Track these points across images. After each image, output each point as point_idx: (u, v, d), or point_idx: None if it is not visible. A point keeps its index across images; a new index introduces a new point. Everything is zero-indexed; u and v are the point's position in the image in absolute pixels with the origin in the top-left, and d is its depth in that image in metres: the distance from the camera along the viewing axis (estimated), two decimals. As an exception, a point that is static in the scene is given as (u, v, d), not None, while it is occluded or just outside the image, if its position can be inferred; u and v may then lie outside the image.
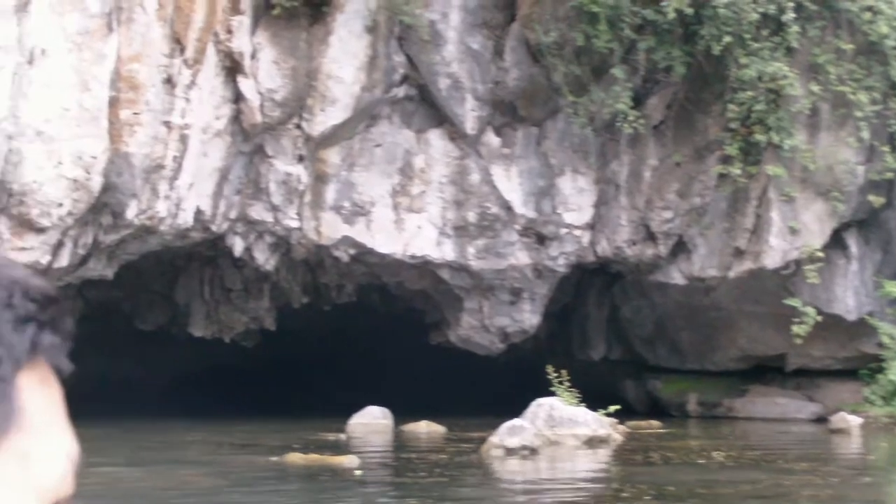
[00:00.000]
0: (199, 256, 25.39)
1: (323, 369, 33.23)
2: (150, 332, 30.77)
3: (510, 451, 14.93)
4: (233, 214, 22.07)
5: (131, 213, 19.59)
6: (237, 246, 22.74)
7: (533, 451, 15.09)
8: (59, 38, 18.10)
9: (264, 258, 23.13)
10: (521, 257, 23.66)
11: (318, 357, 33.23)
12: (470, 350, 26.19)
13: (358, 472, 13.02)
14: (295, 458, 14.18)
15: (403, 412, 21.41)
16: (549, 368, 19.57)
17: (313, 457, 14.18)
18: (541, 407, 16.90)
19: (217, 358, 34.25)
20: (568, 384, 19.24)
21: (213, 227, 21.63)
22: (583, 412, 17.10)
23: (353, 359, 33.13)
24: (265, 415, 25.14)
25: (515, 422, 15.41)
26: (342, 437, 19.12)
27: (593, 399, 20.47)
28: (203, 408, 28.80)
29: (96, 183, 18.68)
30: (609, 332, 28.18)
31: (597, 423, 17.01)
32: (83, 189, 18.55)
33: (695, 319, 26.10)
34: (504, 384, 32.81)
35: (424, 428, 20.27)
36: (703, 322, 26.06)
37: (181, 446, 17.67)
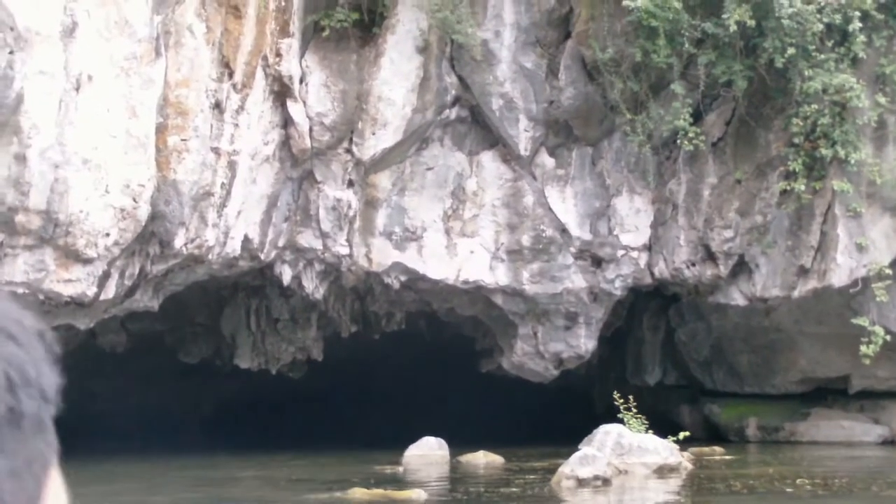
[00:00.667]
0: (245, 286, 24.82)
1: (368, 400, 32.57)
2: (193, 365, 30.29)
3: (582, 482, 14.14)
4: (281, 242, 21.47)
5: (179, 242, 19.00)
6: (286, 274, 22.14)
7: (605, 482, 14.32)
8: (106, 63, 17.54)
9: (313, 286, 22.51)
10: (576, 281, 22.96)
11: (364, 387, 32.57)
12: (522, 377, 25.44)
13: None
14: (359, 493, 13.43)
15: (454, 441, 20.75)
16: (616, 395, 18.80)
17: (378, 492, 13.42)
18: (608, 434, 16.13)
19: (261, 389, 33.73)
20: (635, 410, 18.47)
21: (262, 256, 21.03)
22: (652, 439, 16.32)
23: (399, 388, 32.47)
24: (314, 447, 24.47)
25: (586, 451, 14.64)
26: (399, 469, 18.41)
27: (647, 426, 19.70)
28: (247, 441, 28.22)
29: (144, 211, 18.10)
30: (664, 356, 27.45)
31: (667, 450, 16.23)
32: (130, 218, 17.97)
33: (753, 342, 25.35)
34: (553, 411, 32.17)
35: (482, 458, 19.55)
36: (762, 344, 25.30)
37: (236, 483, 16.99)
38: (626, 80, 21.28)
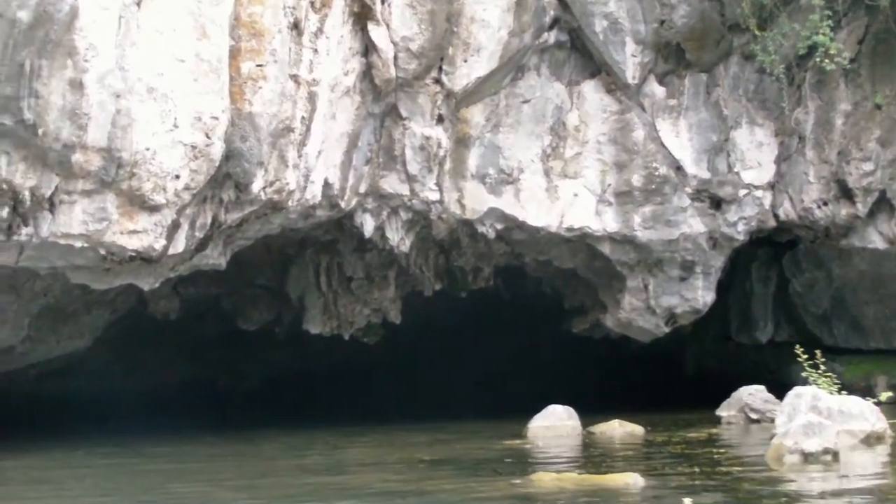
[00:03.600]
0: (315, 242, 22.20)
1: (439, 366, 30.02)
2: (240, 334, 27.99)
3: (808, 457, 11.54)
4: (362, 188, 18.87)
5: (257, 185, 16.34)
6: (367, 225, 19.54)
7: (835, 456, 11.69)
8: (170, -27, 14.90)
9: (398, 238, 19.90)
10: (694, 225, 20.31)
11: (434, 352, 29.99)
12: (624, 335, 22.79)
13: (688, 501, 9.44)
14: (546, 479, 10.71)
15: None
16: (798, 350, 16.12)
17: (570, 476, 10.72)
18: (800, 398, 13.47)
19: (313, 358, 31.49)
20: (823, 369, 15.76)
21: (342, 204, 18.42)
22: (856, 402, 13.66)
23: (476, 351, 29.97)
24: (397, 422, 21.89)
25: (810, 418, 11.99)
26: (538, 443, 15.78)
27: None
28: (302, 416, 25.77)
29: (218, 149, 15.46)
30: (776, 310, 24.75)
31: (873, 415, 13.60)
32: (203, 157, 15.33)
33: (882, 291, 22.64)
34: (635, 372, 29.77)
35: (618, 429, 16.93)
36: (891, 294, 22.59)
37: (367, 469, 13.86)
38: (755, -9, 18.60)
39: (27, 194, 14.19)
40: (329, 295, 22.51)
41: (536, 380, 27.00)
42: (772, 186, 20.47)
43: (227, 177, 16.12)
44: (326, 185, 17.84)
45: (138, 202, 15.06)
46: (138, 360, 29.18)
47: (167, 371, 30.73)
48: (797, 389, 13.83)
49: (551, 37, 19.47)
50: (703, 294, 21.10)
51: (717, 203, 20.37)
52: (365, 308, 22.66)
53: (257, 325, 25.13)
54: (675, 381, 29.32)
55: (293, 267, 22.79)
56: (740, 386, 19.65)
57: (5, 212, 14.16)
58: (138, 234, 15.28)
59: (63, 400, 27.79)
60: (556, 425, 17.13)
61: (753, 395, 17.72)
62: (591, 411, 18.20)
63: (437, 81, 18.60)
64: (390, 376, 29.86)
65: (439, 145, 18.87)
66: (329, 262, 22.32)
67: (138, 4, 14.53)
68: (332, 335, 23.36)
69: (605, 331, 24.41)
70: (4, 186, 13.96)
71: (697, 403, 19.83)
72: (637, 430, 16.85)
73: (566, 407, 17.55)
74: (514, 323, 28.61)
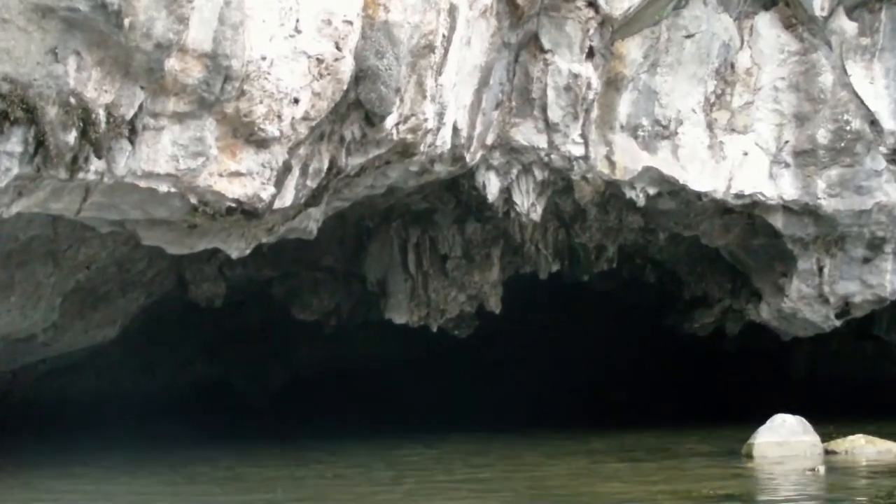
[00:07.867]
0: (403, 212, 18.19)
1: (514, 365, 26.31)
2: (264, 328, 24.38)
3: None
4: (489, 138, 14.91)
5: (392, 119, 12.36)
6: (491, 186, 15.61)
7: None
8: None
9: (528, 203, 15.95)
10: (891, 192, 16.50)
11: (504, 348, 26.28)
12: (784, 329, 18.96)
13: None
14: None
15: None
16: None
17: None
18: None
19: (344, 357, 28.13)
20: None
21: (467, 157, 14.45)
22: None
23: (563, 348, 26.29)
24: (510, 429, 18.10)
25: None
26: (820, 469, 11.95)
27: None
28: (334, 422, 22.28)
29: (348, 66, 11.44)
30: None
31: None
32: (329, 75, 11.31)
33: None
34: (728, 374, 26.57)
35: (864, 446, 13.14)
36: None
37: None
38: None
39: (101, 114, 10.07)
40: (418, 277, 18.48)
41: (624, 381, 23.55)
42: (983, 147, 16.70)
43: (352, 107, 12.08)
44: (455, 130, 13.88)
45: (244, 133, 11.02)
46: (155, 357, 25.40)
47: (182, 373, 27.06)
48: None
49: (723, -44, 15.63)
50: (892, 279, 17.27)
51: (917, 166, 16.60)
52: (461, 294, 18.65)
53: (317, 314, 21.09)
54: (778, 385, 25.82)
55: (373, 243, 18.74)
56: (874, 391, 16.29)
57: (72, 137, 10.01)
58: (241, 177, 11.24)
59: (68, 402, 24.17)
60: (789, 441, 13.27)
61: None
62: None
63: (591, 5, 14.69)
64: (473, 377, 26.16)
65: (589, 86, 14.96)
66: (420, 238, 18.29)
67: None
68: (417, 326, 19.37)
69: (709, 328, 20.90)
70: (72, 101, 9.82)
71: (821, 411, 16.21)
72: (893, 448, 13.01)
73: (799, 418, 13.65)
74: (602, 316, 24.95)
